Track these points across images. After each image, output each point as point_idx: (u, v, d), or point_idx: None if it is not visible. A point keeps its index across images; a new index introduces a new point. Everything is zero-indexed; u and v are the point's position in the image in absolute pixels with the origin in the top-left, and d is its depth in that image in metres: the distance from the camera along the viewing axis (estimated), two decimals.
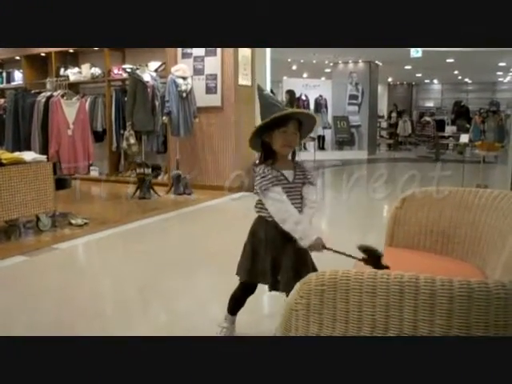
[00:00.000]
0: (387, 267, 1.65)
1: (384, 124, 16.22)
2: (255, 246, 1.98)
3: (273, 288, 1.96)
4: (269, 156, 1.94)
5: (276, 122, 1.86)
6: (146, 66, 6.18)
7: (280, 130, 1.87)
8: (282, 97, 10.90)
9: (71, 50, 7.61)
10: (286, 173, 1.93)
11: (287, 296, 1.94)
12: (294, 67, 13.09)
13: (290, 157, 1.99)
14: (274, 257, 1.92)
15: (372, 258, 1.70)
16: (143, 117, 5.77)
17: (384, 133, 15.80)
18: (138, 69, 5.94)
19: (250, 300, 2.15)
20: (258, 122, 1.97)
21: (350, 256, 1.78)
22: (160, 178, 6.93)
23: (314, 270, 1.96)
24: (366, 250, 1.72)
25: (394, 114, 16.05)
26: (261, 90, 2.02)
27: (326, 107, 13.11)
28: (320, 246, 1.84)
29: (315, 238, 1.84)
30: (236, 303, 2.15)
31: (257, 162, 2.01)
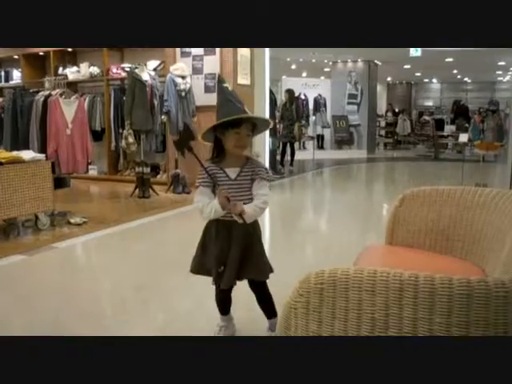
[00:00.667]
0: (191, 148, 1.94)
1: (383, 123, 16.22)
2: (206, 241, 2.05)
3: (216, 281, 2.00)
4: (220, 152, 1.98)
5: (230, 123, 1.87)
6: (145, 65, 6.17)
7: (233, 130, 1.88)
8: (281, 96, 10.89)
9: (70, 49, 7.59)
10: (229, 170, 1.95)
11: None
12: (294, 66, 13.10)
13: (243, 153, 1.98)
14: (219, 252, 1.97)
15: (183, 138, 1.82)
16: (142, 116, 5.77)
17: (383, 132, 15.80)
18: (136, 68, 5.93)
19: (250, 298, 2.15)
20: None
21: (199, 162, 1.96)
22: (159, 176, 6.94)
23: (270, 269, 2.01)
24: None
25: (389, 114, 16.03)
26: (221, 83, 2.01)
27: (325, 106, 13.13)
28: (222, 196, 1.83)
29: (215, 202, 1.86)
30: (220, 303, 2.17)
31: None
